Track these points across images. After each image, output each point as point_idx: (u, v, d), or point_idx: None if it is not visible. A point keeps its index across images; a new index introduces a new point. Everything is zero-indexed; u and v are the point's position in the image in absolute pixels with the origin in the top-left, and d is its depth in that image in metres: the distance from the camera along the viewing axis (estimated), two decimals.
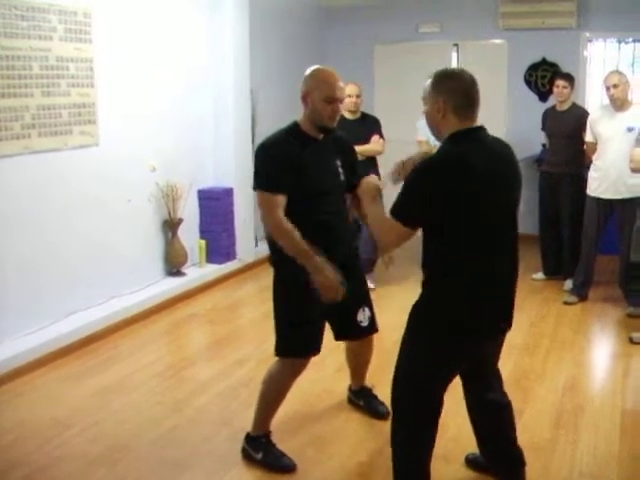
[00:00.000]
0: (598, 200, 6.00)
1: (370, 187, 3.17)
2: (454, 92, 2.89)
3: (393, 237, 2.93)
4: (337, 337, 3.96)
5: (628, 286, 6.02)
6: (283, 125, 3.65)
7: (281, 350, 3.63)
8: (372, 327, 3.93)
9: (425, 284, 3.02)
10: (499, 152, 3.01)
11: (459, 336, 2.95)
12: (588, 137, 6.12)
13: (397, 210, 2.86)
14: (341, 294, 3.43)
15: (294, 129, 3.58)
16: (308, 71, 3.56)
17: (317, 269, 3.38)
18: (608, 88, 5.81)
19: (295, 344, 3.61)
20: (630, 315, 5.90)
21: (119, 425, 4.16)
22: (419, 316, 3.03)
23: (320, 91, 3.46)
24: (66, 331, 5.22)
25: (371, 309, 3.92)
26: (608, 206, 5.99)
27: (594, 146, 6.04)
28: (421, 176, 2.87)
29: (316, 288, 3.39)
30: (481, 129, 2.96)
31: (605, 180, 5.90)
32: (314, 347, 3.64)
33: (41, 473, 3.66)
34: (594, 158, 6.04)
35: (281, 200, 3.43)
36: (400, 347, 3.11)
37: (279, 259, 3.60)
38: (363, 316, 3.86)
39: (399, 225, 2.85)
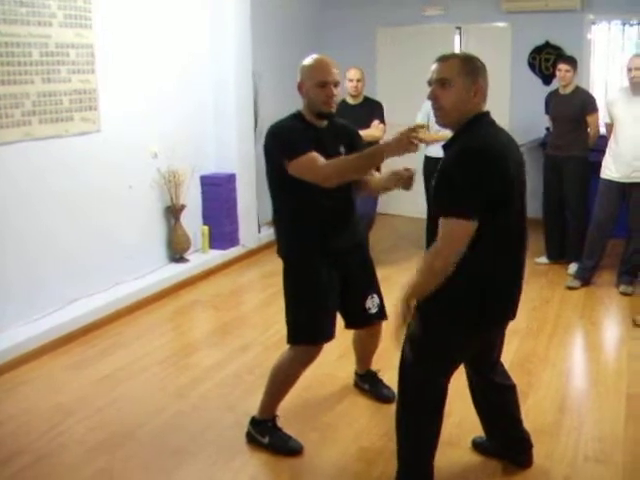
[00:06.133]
0: (611, 183, 5.88)
1: None
2: (485, 75, 2.90)
3: (463, 240, 2.70)
4: (347, 325, 3.93)
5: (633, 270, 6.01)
6: (286, 108, 3.62)
7: (294, 338, 3.61)
8: (381, 314, 3.90)
9: None
10: (510, 137, 3.00)
11: (471, 327, 2.94)
12: (606, 118, 6.05)
13: (457, 209, 2.68)
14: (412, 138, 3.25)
15: (298, 117, 3.55)
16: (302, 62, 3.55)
17: (383, 151, 3.33)
18: (630, 70, 5.69)
19: (308, 332, 3.59)
20: (623, 293, 5.96)
21: (122, 412, 4.16)
22: (430, 305, 2.91)
23: (312, 77, 3.45)
24: (69, 318, 5.22)
25: (380, 296, 3.89)
26: (621, 190, 5.87)
27: (611, 127, 5.95)
28: (474, 164, 2.71)
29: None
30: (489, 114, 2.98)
31: (619, 164, 5.79)
32: (327, 335, 3.61)
33: (44, 460, 3.66)
34: (610, 140, 5.95)
35: (315, 155, 3.36)
36: (407, 333, 3.02)
37: (289, 249, 3.60)
38: (372, 303, 3.83)
39: (465, 222, 2.67)
